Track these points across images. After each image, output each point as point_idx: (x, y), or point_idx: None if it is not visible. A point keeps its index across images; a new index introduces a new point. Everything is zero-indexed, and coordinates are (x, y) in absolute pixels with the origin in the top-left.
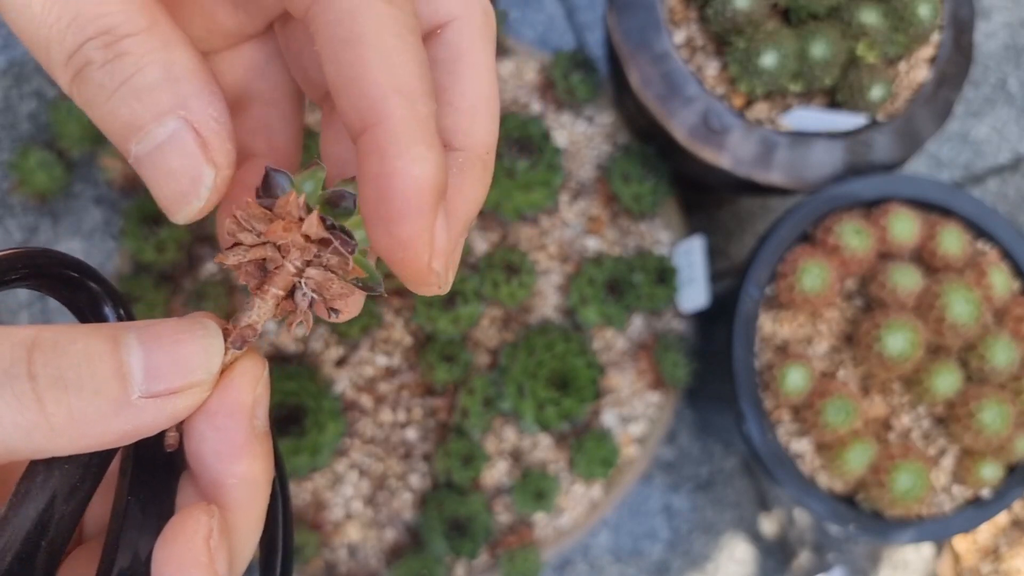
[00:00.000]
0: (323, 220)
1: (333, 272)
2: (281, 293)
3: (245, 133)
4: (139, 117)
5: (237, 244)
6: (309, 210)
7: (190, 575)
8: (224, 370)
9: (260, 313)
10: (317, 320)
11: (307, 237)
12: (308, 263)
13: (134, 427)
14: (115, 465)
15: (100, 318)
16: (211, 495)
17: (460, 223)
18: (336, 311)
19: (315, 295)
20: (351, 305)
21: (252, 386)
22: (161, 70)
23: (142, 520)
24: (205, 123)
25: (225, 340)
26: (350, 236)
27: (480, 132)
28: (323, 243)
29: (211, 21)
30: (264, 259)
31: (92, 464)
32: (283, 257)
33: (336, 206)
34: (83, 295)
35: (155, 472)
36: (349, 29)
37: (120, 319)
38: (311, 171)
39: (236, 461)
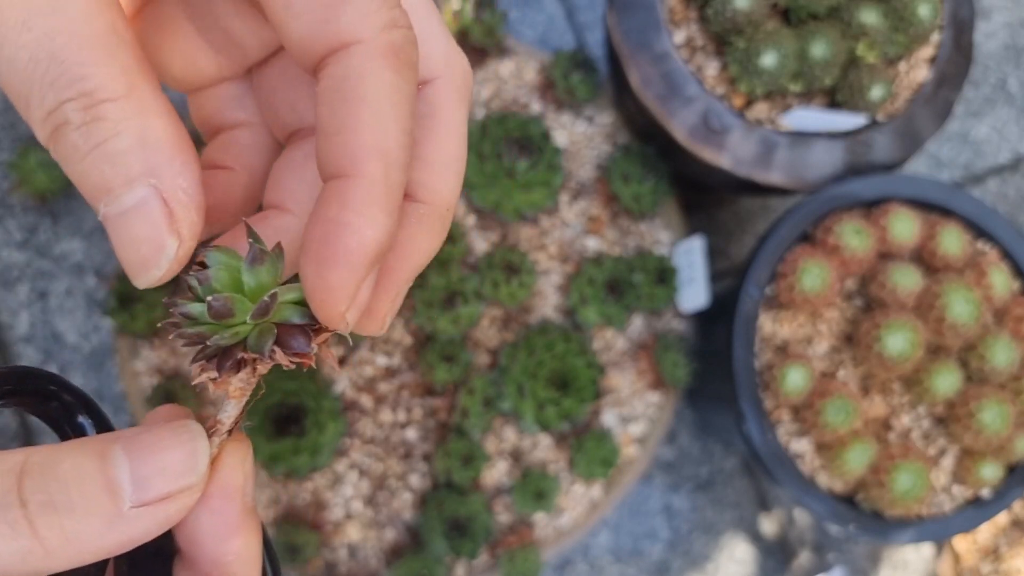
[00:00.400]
0: (287, 356)
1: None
2: (242, 384)
3: (217, 150)
4: (109, 181)
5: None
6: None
7: None
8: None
9: (235, 408)
10: None
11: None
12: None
13: (129, 538)
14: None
15: (76, 429)
16: (208, 573)
17: (409, 270)
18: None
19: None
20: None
21: (241, 467)
22: (135, 137)
23: None
24: (173, 194)
25: (209, 435)
26: (307, 354)
27: (445, 190)
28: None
29: (191, 65)
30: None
31: (89, 571)
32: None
33: (287, 346)
34: (58, 407)
35: (146, 561)
36: (354, 87)
37: (97, 429)
38: (265, 266)
39: (233, 539)
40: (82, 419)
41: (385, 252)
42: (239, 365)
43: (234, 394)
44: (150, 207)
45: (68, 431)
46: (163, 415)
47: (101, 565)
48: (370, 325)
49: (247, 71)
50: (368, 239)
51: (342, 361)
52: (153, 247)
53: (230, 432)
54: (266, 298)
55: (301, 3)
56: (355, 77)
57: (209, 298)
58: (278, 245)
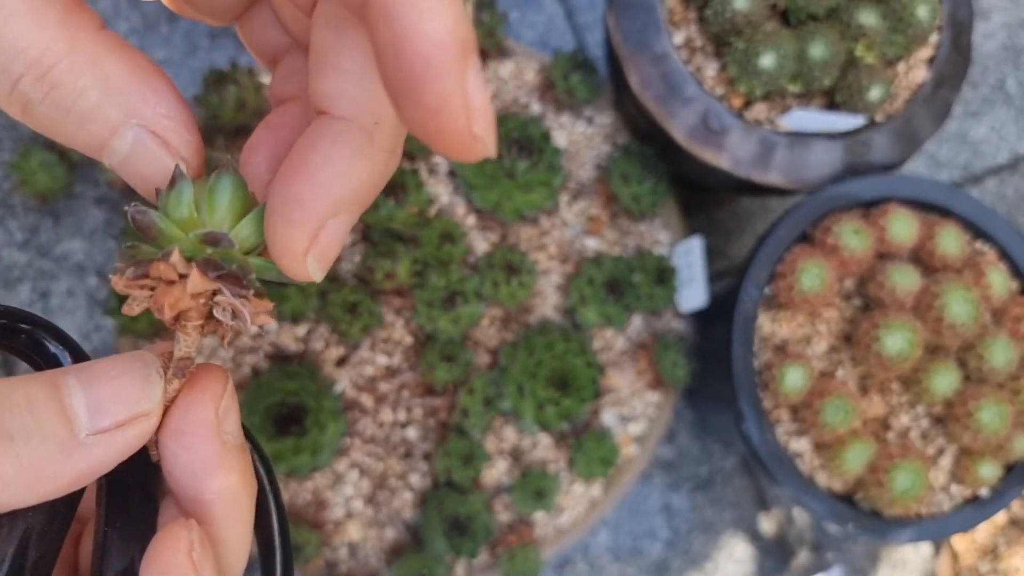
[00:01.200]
0: (206, 273)
1: (240, 297)
2: (199, 323)
3: (280, 82)
4: (96, 137)
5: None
6: (190, 262)
7: None
8: (178, 394)
9: (188, 344)
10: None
11: (195, 295)
12: (212, 297)
13: (88, 465)
14: (92, 497)
15: (49, 359)
16: (192, 512)
17: (330, 206)
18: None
19: (233, 312)
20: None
21: (214, 402)
22: (99, 89)
23: (122, 547)
24: (158, 123)
25: (166, 371)
26: (240, 278)
27: (371, 100)
28: (216, 291)
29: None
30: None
31: (58, 506)
32: (185, 304)
33: (216, 245)
34: (27, 339)
35: (130, 499)
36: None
37: (73, 358)
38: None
39: (210, 476)
40: (54, 349)
41: (469, 40)
42: (146, 272)
43: (191, 331)
44: (144, 145)
45: (40, 362)
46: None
47: (69, 502)
48: (290, 266)
49: None
50: (435, 32)
51: (343, 361)
52: (164, 177)
53: (185, 370)
54: (208, 231)
55: None
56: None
57: (132, 206)
58: (238, 174)
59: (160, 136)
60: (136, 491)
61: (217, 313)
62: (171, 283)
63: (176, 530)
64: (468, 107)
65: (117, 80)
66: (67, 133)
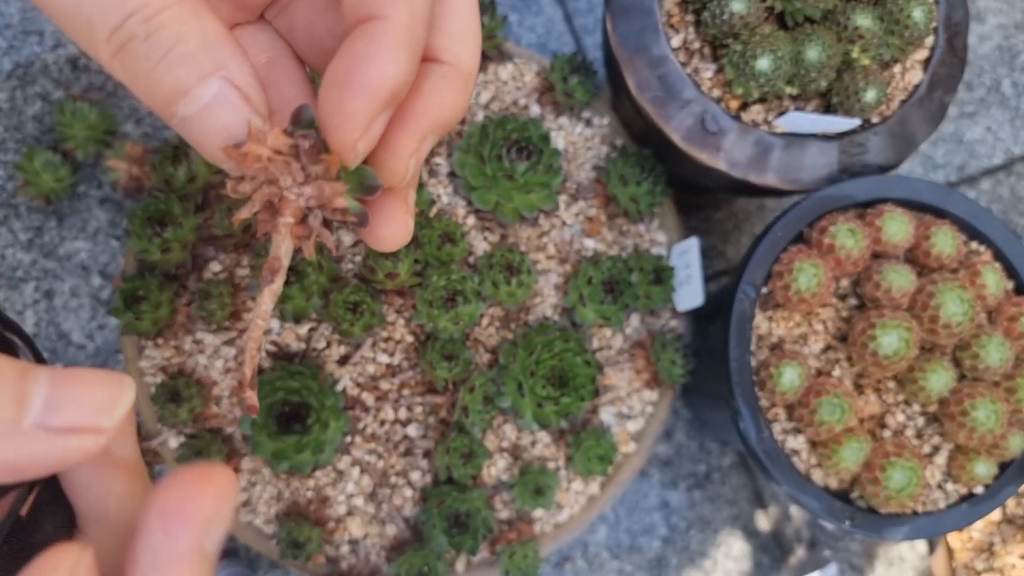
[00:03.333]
0: (284, 131)
1: (320, 178)
2: (291, 220)
3: None
4: (183, 82)
5: (242, 197)
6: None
7: None
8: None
9: (279, 244)
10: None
11: (277, 151)
12: (302, 183)
13: (17, 456)
14: None
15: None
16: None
17: (434, 120)
18: (356, 222)
19: (320, 212)
20: (390, 224)
21: (216, 499)
22: (198, 38)
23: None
24: (243, 80)
25: (260, 282)
26: (308, 131)
27: (465, 54)
28: (295, 153)
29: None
30: (269, 200)
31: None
32: (279, 188)
33: (297, 121)
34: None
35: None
36: None
37: (32, 351)
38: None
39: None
40: (11, 336)
41: (402, 94)
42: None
43: (282, 230)
44: (228, 95)
45: None
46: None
47: (22, 492)
48: (393, 162)
49: (260, 17)
50: (388, 74)
51: (345, 359)
52: (240, 128)
53: (274, 273)
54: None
55: None
56: None
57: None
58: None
59: (243, 91)
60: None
61: (309, 220)
62: (270, 182)
63: (68, 548)
64: (366, 131)
65: (214, 36)
66: (155, 76)
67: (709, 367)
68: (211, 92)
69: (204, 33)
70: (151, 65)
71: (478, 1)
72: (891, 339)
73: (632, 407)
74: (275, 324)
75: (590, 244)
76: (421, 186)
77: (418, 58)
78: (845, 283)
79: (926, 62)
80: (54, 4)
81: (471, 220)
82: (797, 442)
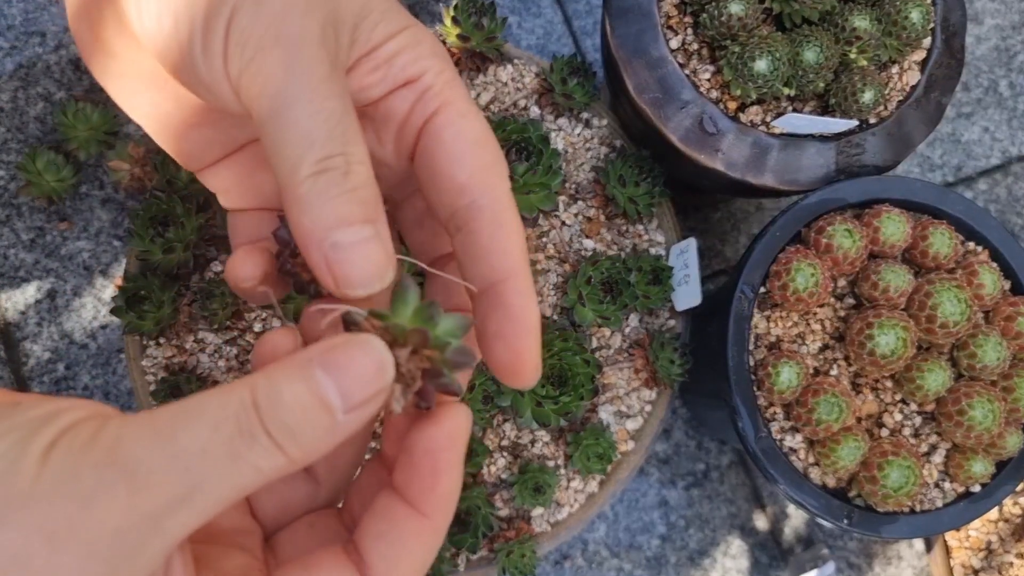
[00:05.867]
0: (427, 372)
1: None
2: (406, 387)
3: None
4: (352, 215)
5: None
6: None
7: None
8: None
9: (397, 399)
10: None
11: (410, 375)
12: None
13: (345, 435)
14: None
15: None
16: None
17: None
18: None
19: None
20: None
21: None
22: (370, 192)
23: None
24: (387, 235)
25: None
26: (440, 372)
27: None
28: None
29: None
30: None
31: None
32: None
33: (455, 365)
34: None
35: None
36: (503, 222)
37: None
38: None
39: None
40: None
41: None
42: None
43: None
44: (376, 241)
45: None
46: (275, 341)
47: None
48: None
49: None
50: (535, 318)
51: None
52: (382, 267)
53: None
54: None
55: (468, 164)
56: (503, 212)
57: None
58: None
59: (384, 244)
60: None
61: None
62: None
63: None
64: (537, 360)
65: (376, 196)
66: (333, 202)
67: (707, 366)
68: (368, 232)
69: (376, 194)
70: (337, 192)
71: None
72: (888, 339)
73: (631, 406)
74: (276, 324)
75: (589, 244)
76: None
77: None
78: (842, 283)
79: (923, 63)
80: (284, 120)
81: None
82: (795, 441)
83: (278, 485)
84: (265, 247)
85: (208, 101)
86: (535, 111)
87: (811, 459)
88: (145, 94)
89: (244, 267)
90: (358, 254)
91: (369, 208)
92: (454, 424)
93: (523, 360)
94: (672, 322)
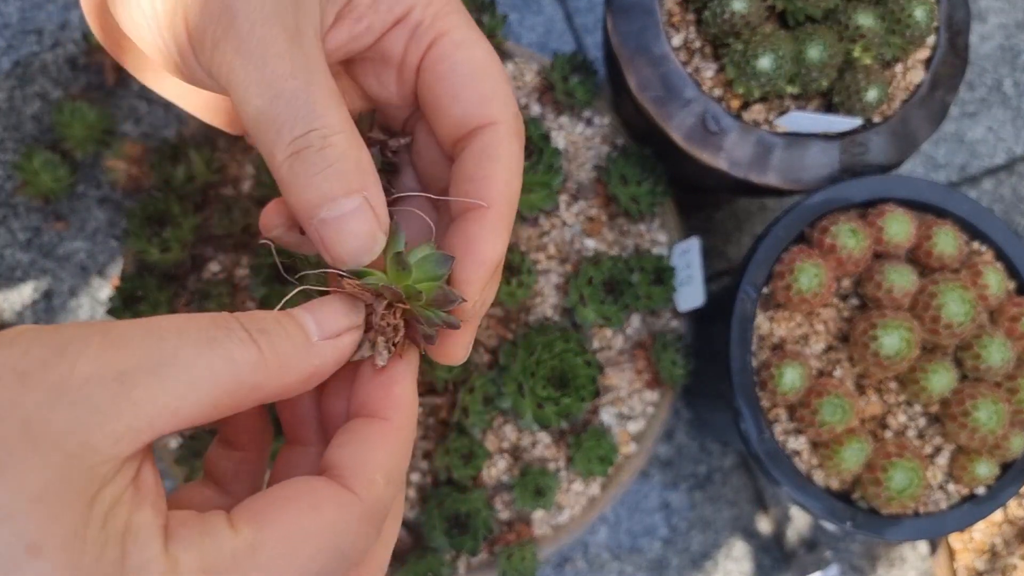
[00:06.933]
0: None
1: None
2: (385, 339)
3: None
4: (334, 190)
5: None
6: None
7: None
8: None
9: (381, 350)
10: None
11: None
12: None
13: (321, 363)
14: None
15: None
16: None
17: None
18: (427, 341)
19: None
20: (455, 349)
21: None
22: (354, 161)
23: None
24: (377, 202)
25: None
26: (418, 319)
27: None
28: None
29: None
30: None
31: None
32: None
33: (440, 305)
34: None
35: None
36: (495, 151)
37: None
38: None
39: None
40: None
41: (500, 266)
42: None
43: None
44: (365, 211)
45: None
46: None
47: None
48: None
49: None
50: (496, 252)
51: None
52: (368, 239)
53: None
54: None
55: (465, 98)
56: (496, 145)
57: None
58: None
59: (375, 212)
60: None
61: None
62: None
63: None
64: (482, 295)
65: (365, 164)
66: (315, 180)
67: (710, 367)
68: (352, 205)
69: (359, 159)
70: (316, 171)
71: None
72: (892, 339)
73: (633, 408)
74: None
75: (590, 244)
76: None
77: (508, 236)
78: (846, 283)
79: (928, 61)
80: (250, 108)
81: None
82: (798, 443)
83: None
84: None
85: (211, 90)
86: (536, 109)
87: (815, 461)
88: (167, 80)
89: (268, 218)
90: (344, 229)
91: (351, 179)
92: (400, 358)
93: (465, 291)
94: (674, 323)
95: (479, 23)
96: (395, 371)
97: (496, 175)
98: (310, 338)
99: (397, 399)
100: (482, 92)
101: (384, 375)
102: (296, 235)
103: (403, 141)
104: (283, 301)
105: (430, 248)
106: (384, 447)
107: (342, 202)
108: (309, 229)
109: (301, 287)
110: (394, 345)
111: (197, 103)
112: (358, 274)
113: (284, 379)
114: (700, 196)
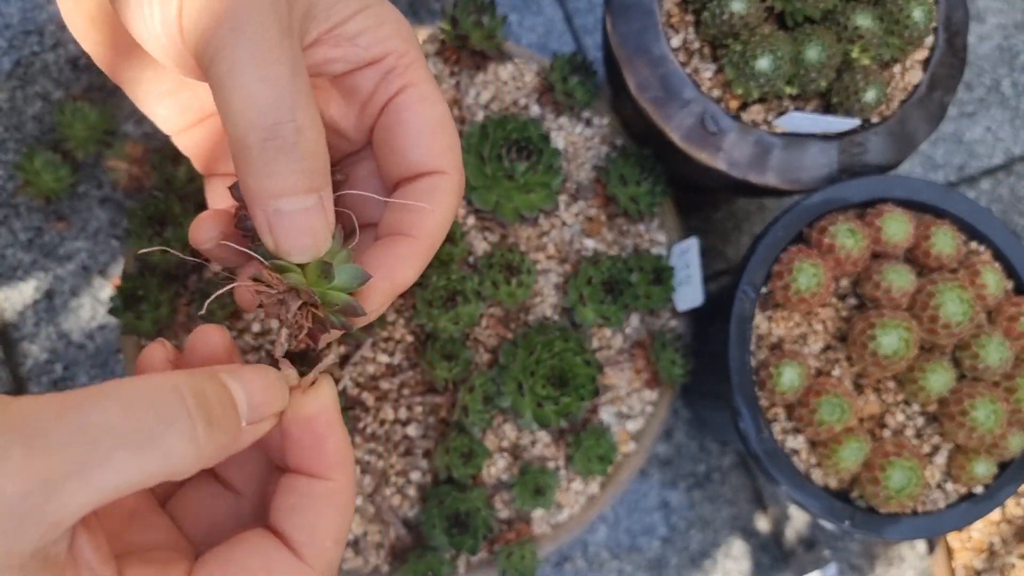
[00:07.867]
0: (314, 314)
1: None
2: (287, 330)
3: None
4: (297, 185)
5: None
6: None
7: None
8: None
9: (283, 340)
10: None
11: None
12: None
13: (239, 447)
14: None
15: None
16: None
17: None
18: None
19: (308, 331)
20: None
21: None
22: (321, 163)
23: None
24: (330, 207)
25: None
26: (321, 328)
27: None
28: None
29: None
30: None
31: None
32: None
33: (344, 313)
34: None
35: None
36: (438, 198)
37: None
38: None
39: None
40: None
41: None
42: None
43: (271, 312)
44: (319, 212)
45: None
46: (206, 335)
47: None
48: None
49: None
50: (408, 278)
51: (345, 359)
52: (319, 238)
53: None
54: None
55: (423, 145)
56: (442, 190)
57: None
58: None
59: (326, 213)
60: None
61: (297, 330)
62: (280, 302)
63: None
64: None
65: (325, 166)
66: (281, 172)
67: (709, 367)
68: (310, 203)
69: (324, 161)
70: (284, 162)
71: (455, 211)
72: (891, 339)
73: (632, 407)
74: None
75: (590, 244)
76: None
77: (422, 270)
78: (845, 283)
79: (926, 62)
80: (236, 83)
81: (471, 220)
82: (797, 442)
83: (199, 499)
84: (228, 210)
85: (174, 69)
86: (536, 109)
87: (813, 460)
88: (159, 103)
89: (199, 230)
90: (299, 224)
91: (316, 177)
92: (320, 394)
93: (368, 305)
94: (673, 322)
95: (479, 24)
96: (320, 420)
97: (434, 213)
98: (240, 425)
99: (333, 456)
100: (440, 144)
101: (309, 423)
102: (227, 249)
103: (338, 177)
104: (210, 299)
105: (348, 258)
106: (332, 514)
107: (302, 198)
108: (259, 214)
109: (232, 284)
110: (295, 340)
111: (178, 125)
112: (279, 267)
113: (206, 463)
114: (699, 196)
